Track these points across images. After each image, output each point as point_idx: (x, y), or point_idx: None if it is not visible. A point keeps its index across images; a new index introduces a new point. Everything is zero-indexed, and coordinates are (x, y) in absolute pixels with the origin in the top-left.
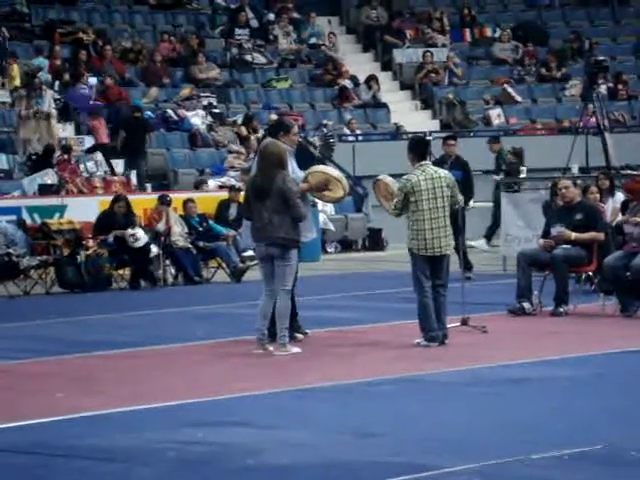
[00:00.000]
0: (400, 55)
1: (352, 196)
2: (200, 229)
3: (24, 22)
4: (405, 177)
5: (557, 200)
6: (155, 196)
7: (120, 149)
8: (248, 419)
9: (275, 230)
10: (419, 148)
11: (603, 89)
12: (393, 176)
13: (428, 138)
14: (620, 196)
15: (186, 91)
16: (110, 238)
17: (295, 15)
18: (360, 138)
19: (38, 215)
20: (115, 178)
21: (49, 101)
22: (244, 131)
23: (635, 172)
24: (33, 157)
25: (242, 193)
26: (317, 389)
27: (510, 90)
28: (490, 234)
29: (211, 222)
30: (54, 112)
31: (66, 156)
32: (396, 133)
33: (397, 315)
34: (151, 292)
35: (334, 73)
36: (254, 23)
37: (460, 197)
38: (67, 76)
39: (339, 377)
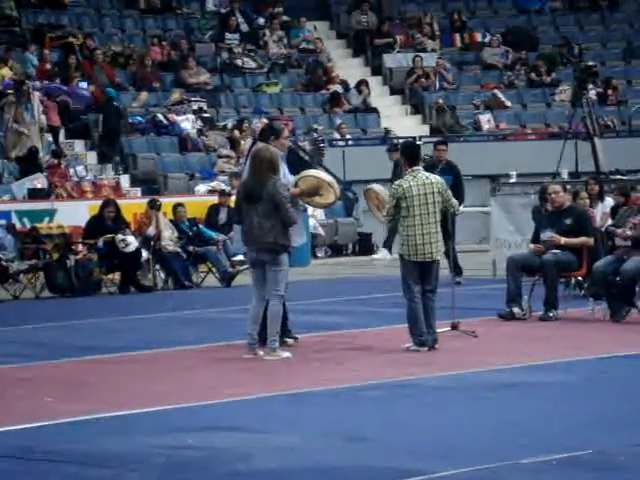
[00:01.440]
0: (390, 60)
1: (342, 201)
2: (190, 233)
3: (14, 26)
4: (397, 182)
5: (546, 205)
6: (145, 200)
7: (100, 134)
8: (238, 424)
9: (265, 235)
10: (410, 153)
11: (593, 94)
12: (383, 181)
13: (418, 143)
14: (610, 201)
15: (176, 95)
16: (100, 243)
17: (285, 19)
18: (350, 143)
19: (28, 219)
20: (105, 182)
21: (38, 105)
22: (237, 134)
23: (625, 177)
24: (17, 160)
25: (232, 197)
26: (307, 394)
27: (500, 95)
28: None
29: (201, 226)
30: (43, 117)
31: (56, 161)
32: (385, 138)
33: (387, 320)
34: (141, 297)
35: (324, 78)
36: (244, 27)
37: (454, 201)
38: (58, 80)
39: (329, 382)
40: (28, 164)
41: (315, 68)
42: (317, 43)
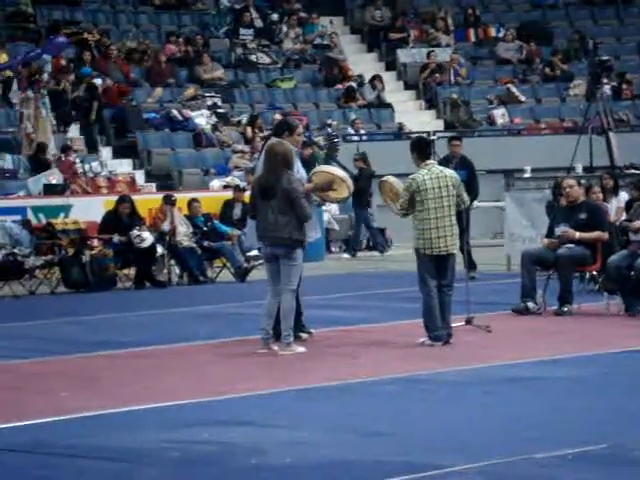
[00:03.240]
0: (404, 55)
1: None
2: (205, 229)
3: (29, 22)
4: (411, 177)
5: (560, 200)
6: (160, 196)
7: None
8: (252, 419)
9: (280, 230)
10: (421, 148)
11: (607, 89)
12: (398, 176)
13: (432, 137)
14: (624, 195)
15: (191, 91)
16: (115, 238)
17: (301, 14)
18: (364, 138)
19: (43, 215)
20: (120, 178)
21: (48, 101)
22: (250, 130)
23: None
24: (29, 157)
25: (247, 193)
26: (321, 388)
27: (514, 90)
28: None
29: (216, 222)
30: (51, 115)
31: (63, 156)
32: (399, 133)
33: (401, 314)
34: (156, 292)
35: (339, 76)
36: (258, 23)
37: (466, 197)
38: (72, 77)
39: (343, 376)
40: (37, 161)
41: (330, 64)
42: (333, 38)
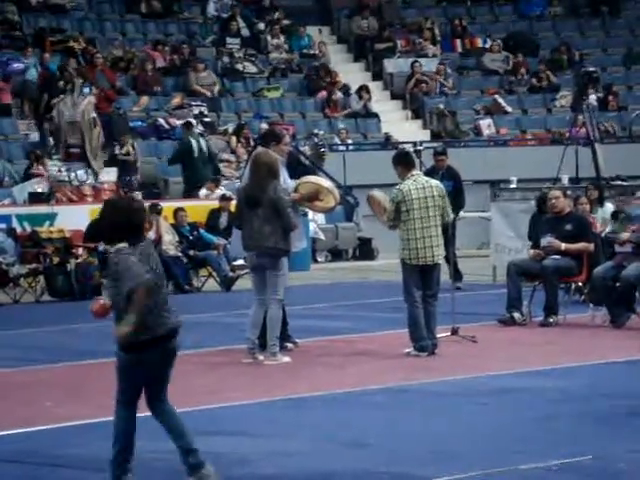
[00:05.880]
0: (391, 65)
1: (342, 206)
2: (191, 238)
3: (15, 30)
4: (397, 187)
5: (544, 213)
6: (146, 205)
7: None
8: (237, 429)
9: (265, 239)
10: (404, 160)
11: (593, 100)
12: (384, 186)
13: (419, 148)
14: (609, 207)
15: (177, 100)
16: (100, 247)
17: (286, 23)
18: (351, 148)
19: (28, 223)
20: (105, 186)
21: None
22: (235, 140)
23: (625, 183)
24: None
25: (233, 202)
26: (307, 399)
27: (500, 100)
28: None
29: (202, 231)
30: None
31: (35, 164)
32: (386, 143)
33: (387, 325)
34: None
35: (324, 83)
36: (245, 32)
37: (450, 211)
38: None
39: (329, 387)
40: (26, 167)
41: (317, 73)
42: (321, 47)
